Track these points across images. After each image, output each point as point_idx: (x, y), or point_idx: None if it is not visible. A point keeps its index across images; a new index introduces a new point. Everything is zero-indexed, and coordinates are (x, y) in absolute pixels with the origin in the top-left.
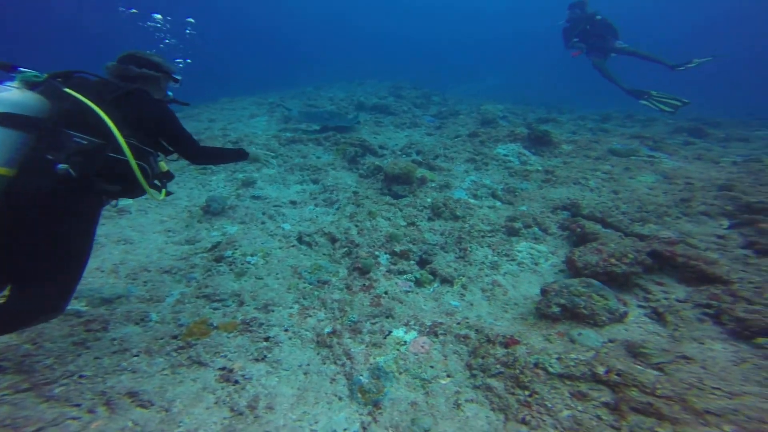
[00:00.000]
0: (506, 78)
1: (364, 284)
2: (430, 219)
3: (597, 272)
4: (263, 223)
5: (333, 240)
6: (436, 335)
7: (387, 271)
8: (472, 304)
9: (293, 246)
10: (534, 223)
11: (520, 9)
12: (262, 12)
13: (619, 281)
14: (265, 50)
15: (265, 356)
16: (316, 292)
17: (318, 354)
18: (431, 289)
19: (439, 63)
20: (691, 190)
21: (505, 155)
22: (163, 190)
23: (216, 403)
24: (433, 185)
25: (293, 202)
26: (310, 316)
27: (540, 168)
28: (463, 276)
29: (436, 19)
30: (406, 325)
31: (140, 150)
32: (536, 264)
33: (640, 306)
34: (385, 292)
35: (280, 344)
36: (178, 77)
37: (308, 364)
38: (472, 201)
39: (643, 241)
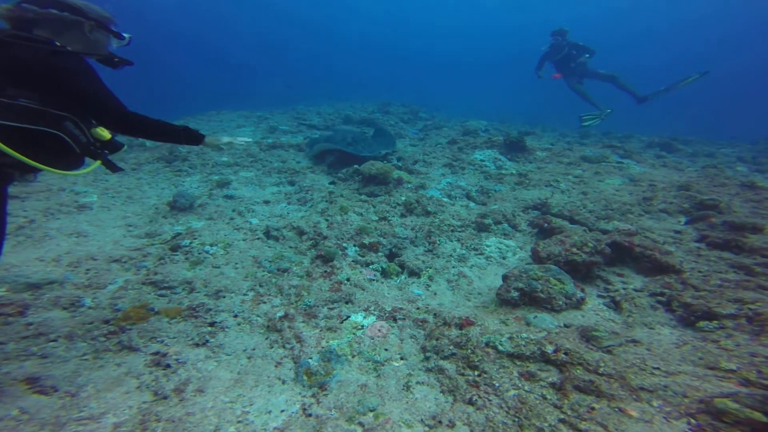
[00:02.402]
0: (498, 98)
1: (326, 271)
2: (402, 215)
3: (559, 262)
4: (232, 218)
5: (301, 233)
6: (394, 320)
7: (353, 261)
8: (435, 294)
9: (258, 239)
10: (504, 220)
11: (514, 31)
12: (257, 29)
13: (581, 271)
14: (261, 68)
15: (207, 341)
16: (274, 280)
17: (266, 339)
18: (398, 280)
19: (434, 83)
20: (653, 190)
21: (481, 160)
22: (98, 161)
23: (138, 387)
24: (409, 186)
25: (267, 202)
26: (264, 302)
27: (514, 172)
28: (430, 268)
29: (437, 38)
30: (365, 310)
31: (42, 114)
32: (504, 258)
33: (600, 296)
34: (348, 279)
35: (226, 329)
36: (125, 35)
37: (254, 349)
38: (445, 200)
39: (606, 235)
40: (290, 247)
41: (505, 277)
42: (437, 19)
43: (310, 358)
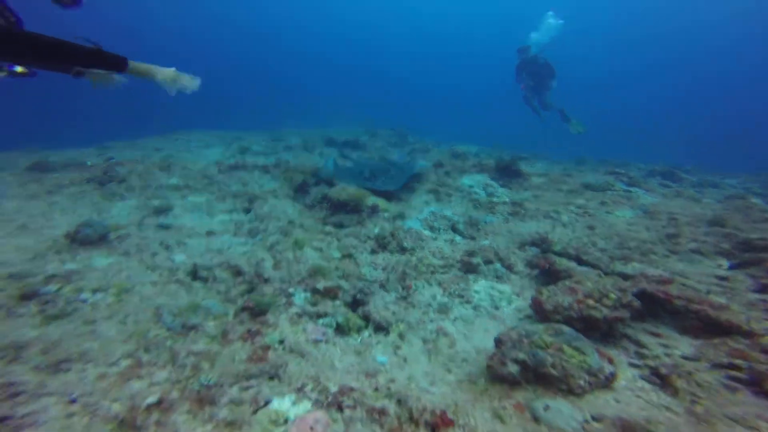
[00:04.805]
0: (489, 126)
1: (250, 330)
2: (373, 251)
3: (571, 317)
4: (154, 254)
5: (237, 274)
6: (340, 409)
7: (298, 314)
8: (406, 360)
9: (176, 282)
10: (496, 259)
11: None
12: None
13: (601, 329)
14: (249, 89)
15: None
16: (170, 342)
17: None
18: (358, 339)
19: (426, 111)
20: (676, 225)
21: (470, 186)
22: None
23: None
24: (386, 215)
25: (210, 233)
26: (140, 377)
27: (507, 200)
28: (402, 321)
29: (431, 66)
30: (298, 391)
31: None
32: (496, 308)
33: (632, 364)
34: (281, 342)
35: (35, 426)
36: None
37: None
38: (426, 232)
39: (628, 281)
40: (217, 293)
41: (498, 342)
42: (429, 47)
43: None
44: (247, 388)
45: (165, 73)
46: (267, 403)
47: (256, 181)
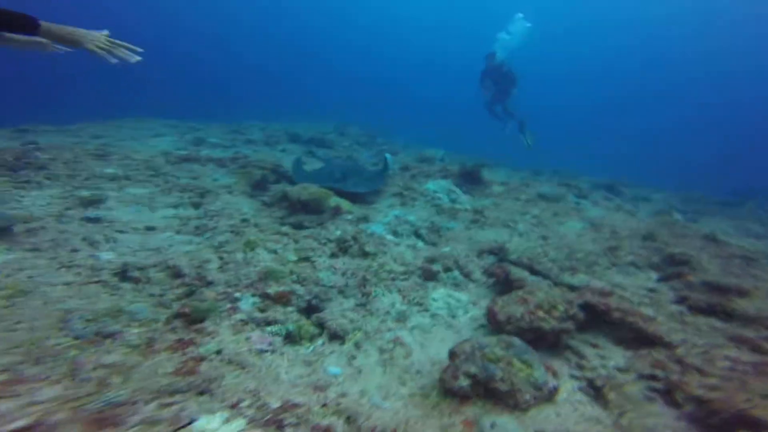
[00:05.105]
0: (459, 129)
1: (182, 339)
2: (333, 255)
3: (522, 328)
4: (74, 251)
5: (176, 275)
6: (279, 427)
7: (242, 321)
8: (360, 372)
9: (98, 282)
10: (455, 267)
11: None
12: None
13: (549, 341)
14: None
15: None
16: (73, 353)
17: None
18: (310, 348)
19: (397, 114)
20: (617, 239)
21: (434, 191)
22: None
23: None
24: (349, 218)
25: (151, 228)
26: (17, 395)
27: (469, 207)
28: (360, 330)
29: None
30: (232, 407)
31: None
32: (453, 316)
33: (572, 376)
34: (218, 352)
35: None
36: None
37: None
38: (389, 237)
39: (574, 291)
40: (149, 296)
41: (452, 355)
42: (402, 49)
43: None
44: (167, 405)
45: (95, 38)
46: (191, 421)
47: (209, 175)
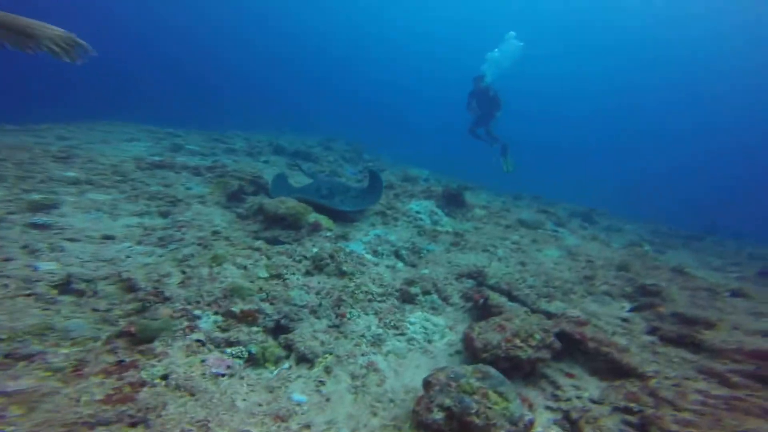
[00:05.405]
0: (446, 150)
1: (121, 361)
2: (307, 273)
3: (498, 356)
4: (7, 260)
5: (130, 289)
6: None
7: (199, 341)
8: (328, 400)
9: (30, 295)
10: (434, 290)
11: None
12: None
13: (524, 369)
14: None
15: None
16: None
17: None
18: (274, 372)
19: (387, 131)
20: (592, 268)
21: (417, 212)
22: None
23: None
24: (328, 234)
25: (108, 237)
26: None
27: (450, 230)
28: (331, 353)
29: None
30: None
31: None
32: (429, 341)
33: (548, 408)
34: (164, 377)
35: None
36: None
37: None
38: (368, 257)
39: (551, 319)
40: (93, 311)
41: (426, 384)
42: (396, 67)
43: None
44: None
45: (53, 35)
46: None
47: (182, 183)
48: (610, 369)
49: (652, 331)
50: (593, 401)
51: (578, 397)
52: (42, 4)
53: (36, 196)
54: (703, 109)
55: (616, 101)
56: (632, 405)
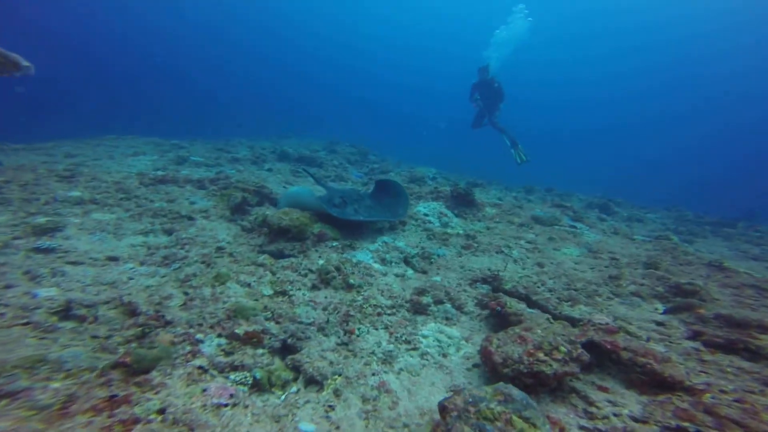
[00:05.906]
0: (454, 143)
1: (114, 396)
2: (314, 287)
3: (520, 372)
4: (7, 287)
5: (131, 314)
6: None
7: (201, 368)
8: (338, 428)
9: (26, 324)
10: (447, 299)
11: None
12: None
13: (550, 385)
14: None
15: None
16: None
17: None
18: (282, 397)
19: (393, 132)
20: (617, 266)
21: (425, 215)
22: None
23: None
24: (334, 244)
25: (112, 259)
26: None
27: (461, 232)
28: (340, 375)
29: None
30: None
31: None
32: (444, 355)
33: (582, 428)
34: (161, 411)
35: None
36: None
37: None
38: (376, 266)
39: (576, 327)
40: (92, 339)
41: (443, 410)
42: (400, 66)
43: None
44: None
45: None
46: None
47: (186, 198)
48: (650, 381)
49: (693, 336)
50: (635, 419)
51: (616, 415)
52: (43, 23)
53: (41, 219)
54: (705, 90)
55: (621, 85)
56: (686, 425)
